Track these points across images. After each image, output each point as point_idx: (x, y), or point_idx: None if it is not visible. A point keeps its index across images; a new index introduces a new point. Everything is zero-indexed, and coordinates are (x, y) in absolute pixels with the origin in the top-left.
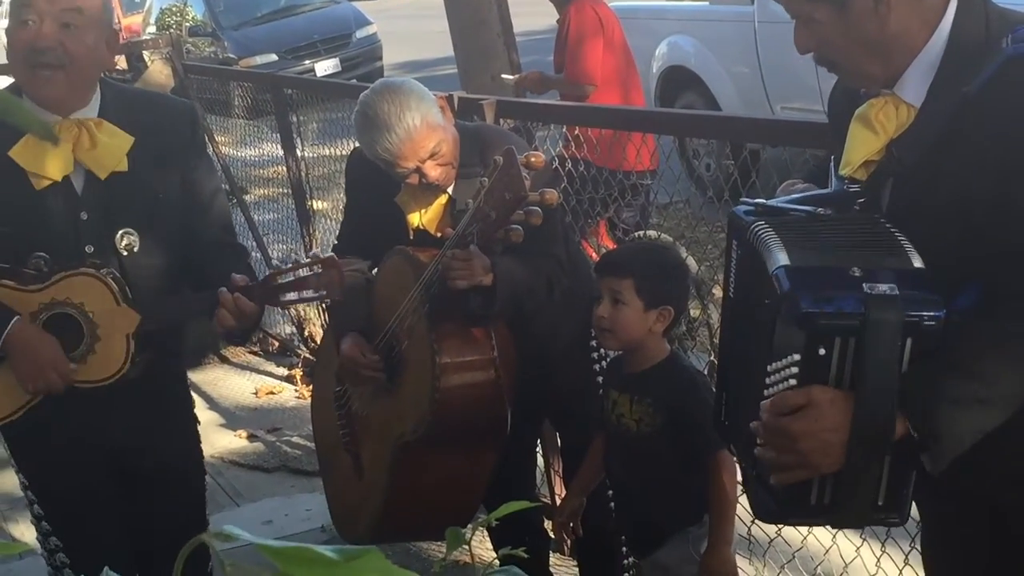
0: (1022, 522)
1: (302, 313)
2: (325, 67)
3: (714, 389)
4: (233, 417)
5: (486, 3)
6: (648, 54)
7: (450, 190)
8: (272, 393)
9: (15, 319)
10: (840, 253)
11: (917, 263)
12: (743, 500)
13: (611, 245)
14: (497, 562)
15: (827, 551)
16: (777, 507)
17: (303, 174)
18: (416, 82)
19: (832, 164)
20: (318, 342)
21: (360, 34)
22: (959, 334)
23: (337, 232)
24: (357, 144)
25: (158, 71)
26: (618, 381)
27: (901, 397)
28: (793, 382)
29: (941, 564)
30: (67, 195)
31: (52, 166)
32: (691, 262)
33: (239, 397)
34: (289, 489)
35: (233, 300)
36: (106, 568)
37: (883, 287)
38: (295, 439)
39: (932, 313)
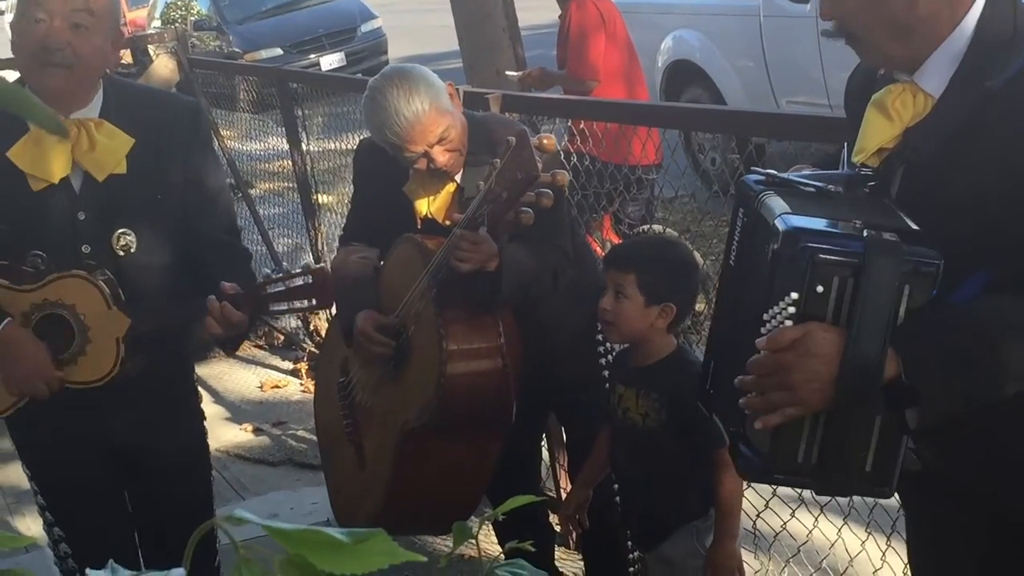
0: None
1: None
2: (330, 61)
3: None
4: (238, 411)
5: None
6: (653, 48)
7: (458, 178)
8: (277, 387)
9: (6, 321)
10: (843, 214)
11: (915, 228)
12: (749, 495)
13: (616, 239)
14: (503, 556)
15: (832, 545)
16: (762, 463)
17: (308, 168)
18: (425, 68)
19: (845, 150)
20: (323, 336)
21: (365, 28)
22: (972, 306)
23: (343, 223)
24: (363, 137)
25: (163, 65)
26: (624, 375)
27: (899, 339)
28: (789, 323)
29: (932, 565)
30: (65, 195)
31: (50, 168)
32: (696, 257)
33: (244, 391)
34: (294, 483)
35: (220, 309)
36: (111, 561)
37: (885, 235)
38: (300, 433)
39: (930, 260)
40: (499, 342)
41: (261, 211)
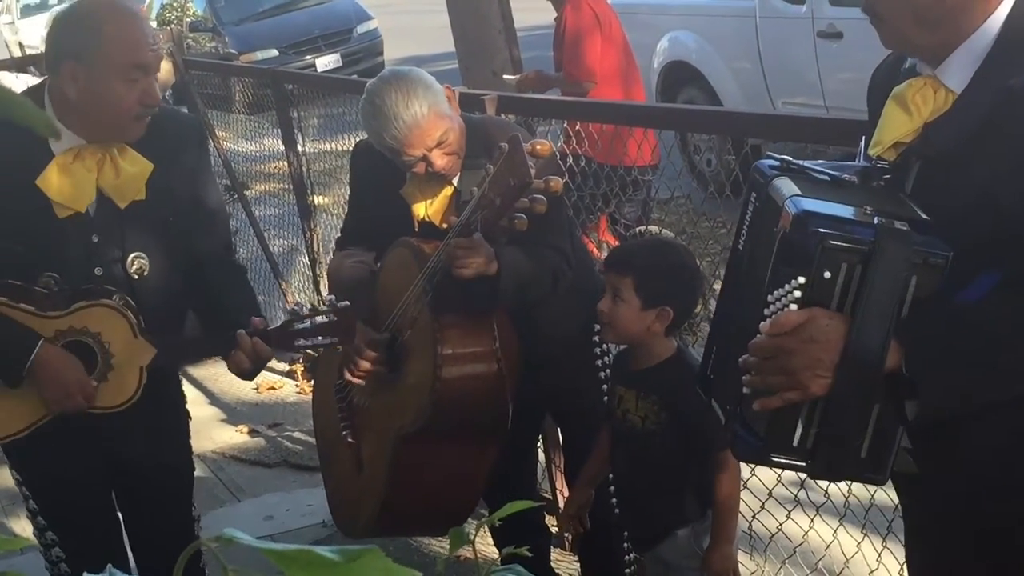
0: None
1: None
2: (326, 62)
3: None
4: (234, 412)
5: None
6: (649, 49)
7: (455, 182)
8: (273, 388)
9: (40, 342)
10: (855, 201)
11: (925, 217)
12: (745, 497)
13: (612, 240)
14: (499, 559)
15: (828, 546)
16: (758, 445)
17: (304, 169)
18: (423, 71)
19: (862, 143)
20: None
21: (361, 29)
22: (979, 304)
23: (340, 225)
24: (360, 138)
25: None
26: (625, 377)
27: (902, 331)
28: (794, 306)
29: (929, 567)
30: (80, 218)
31: (78, 196)
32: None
33: (240, 392)
34: (290, 484)
35: (252, 344)
36: (109, 565)
37: (896, 223)
38: (296, 434)
39: (940, 252)
40: (494, 346)
41: (257, 212)
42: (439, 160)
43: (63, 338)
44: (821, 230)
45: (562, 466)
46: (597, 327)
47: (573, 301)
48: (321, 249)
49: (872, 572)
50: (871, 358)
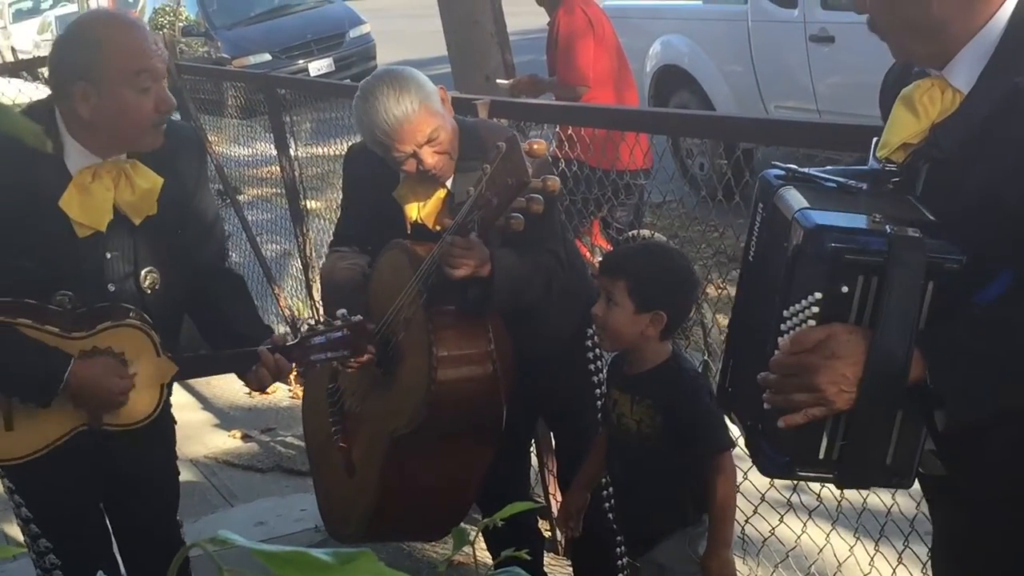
0: None
1: (295, 312)
2: (319, 67)
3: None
4: (227, 417)
5: (480, 3)
6: (642, 53)
7: (448, 184)
8: (266, 393)
9: (72, 362)
10: (863, 209)
11: (934, 219)
12: (738, 500)
13: (605, 244)
14: (492, 564)
15: (821, 550)
16: (784, 460)
17: (296, 174)
18: (416, 70)
19: (873, 145)
20: None
21: (353, 34)
22: (1000, 309)
23: (332, 229)
24: (352, 142)
25: None
26: (619, 381)
27: (924, 342)
28: (812, 322)
29: (955, 570)
30: (95, 235)
31: (97, 216)
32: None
33: (233, 397)
34: (283, 489)
35: (275, 361)
36: (100, 573)
37: (908, 230)
38: (289, 439)
39: (954, 256)
40: (489, 348)
41: (249, 217)
42: (429, 158)
43: (88, 359)
44: (835, 245)
45: (555, 470)
46: (590, 331)
47: (566, 305)
48: (314, 253)
49: (865, 575)
50: (894, 370)
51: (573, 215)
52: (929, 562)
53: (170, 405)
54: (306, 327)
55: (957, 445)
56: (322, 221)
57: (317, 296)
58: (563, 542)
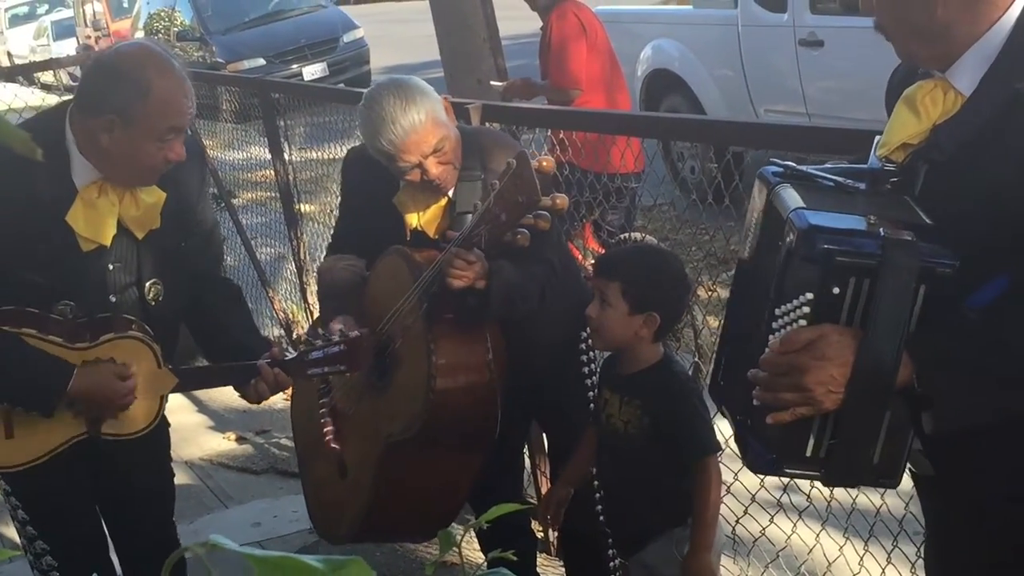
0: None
1: (290, 315)
2: (312, 71)
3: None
4: (222, 419)
5: (472, 8)
6: (633, 58)
7: (450, 192)
8: None
9: (74, 373)
10: (859, 210)
11: (930, 223)
12: (728, 501)
13: (596, 247)
14: (485, 564)
15: (811, 550)
16: (771, 456)
17: (291, 178)
18: (421, 80)
19: (874, 144)
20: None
21: (347, 38)
22: (990, 315)
23: (326, 233)
24: (349, 146)
25: None
26: (611, 380)
27: (914, 346)
28: (803, 322)
29: (947, 569)
30: (99, 248)
31: (103, 231)
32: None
33: (228, 399)
34: (278, 491)
35: (274, 375)
36: (94, 575)
37: (903, 233)
38: (284, 441)
39: (947, 261)
40: (487, 357)
41: (243, 220)
42: (434, 169)
43: (89, 368)
44: (828, 246)
45: (547, 471)
46: (584, 334)
47: (560, 308)
48: (308, 256)
49: (855, 575)
50: (883, 373)
51: (565, 218)
52: (917, 561)
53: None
54: (305, 341)
55: (946, 447)
56: (316, 224)
57: (311, 299)
58: (555, 542)
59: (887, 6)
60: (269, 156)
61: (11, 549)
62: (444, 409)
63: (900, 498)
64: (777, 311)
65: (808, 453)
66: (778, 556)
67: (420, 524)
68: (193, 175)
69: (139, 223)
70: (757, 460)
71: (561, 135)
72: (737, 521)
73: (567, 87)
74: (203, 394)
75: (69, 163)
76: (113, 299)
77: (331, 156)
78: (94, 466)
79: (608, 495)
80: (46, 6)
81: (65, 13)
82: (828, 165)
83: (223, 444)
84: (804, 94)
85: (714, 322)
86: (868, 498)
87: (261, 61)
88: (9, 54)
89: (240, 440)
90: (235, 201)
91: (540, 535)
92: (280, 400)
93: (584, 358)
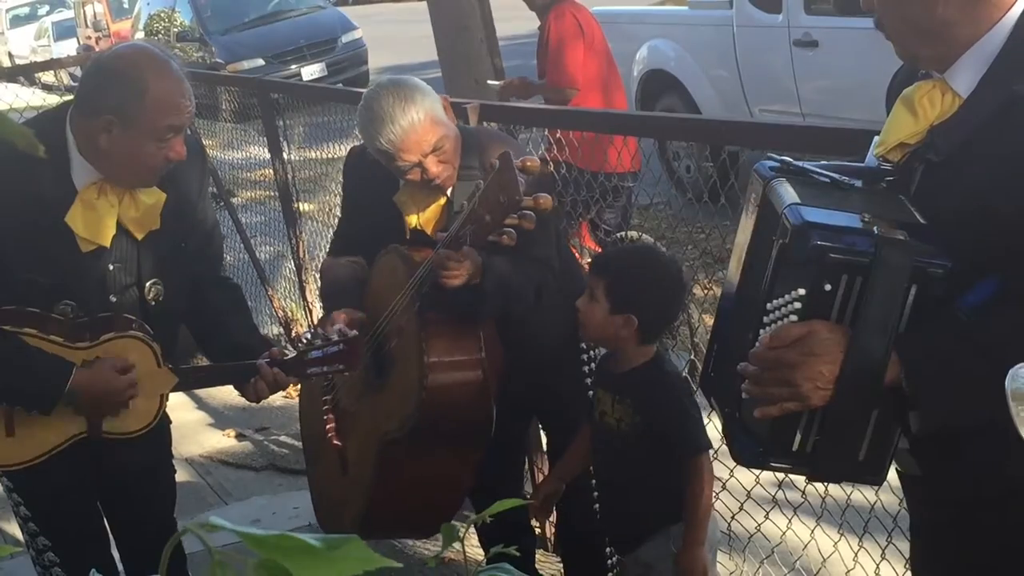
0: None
1: (289, 313)
2: (311, 71)
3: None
4: (221, 417)
5: (469, 8)
6: (629, 58)
7: (449, 192)
8: None
9: (74, 371)
10: (854, 207)
11: (924, 222)
12: (724, 497)
13: (593, 246)
14: (485, 560)
15: (806, 546)
16: (758, 449)
17: (289, 177)
18: (419, 80)
19: (872, 144)
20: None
21: (345, 39)
22: (981, 317)
23: (325, 232)
24: (349, 146)
25: None
26: (604, 379)
27: (902, 345)
28: (794, 318)
29: (933, 568)
30: (99, 249)
31: (102, 232)
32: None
33: (227, 397)
34: (277, 487)
35: (273, 375)
36: (93, 570)
37: (897, 232)
38: (283, 438)
39: (939, 262)
40: (480, 355)
41: (243, 219)
42: (434, 167)
43: (90, 366)
44: (821, 243)
45: (545, 469)
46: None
47: (560, 307)
48: (306, 255)
49: (849, 571)
50: (871, 371)
51: (562, 217)
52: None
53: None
54: (303, 341)
55: (931, 446)
56: (315, 223)
57: (310, 297)
58: (552, 539)
59: (888, 4)
60: (268, 155)
61: (13, 545)
62: (437, 406)
63: (894, 494)
64: (768, 306)
65: (795, 447)
66: (773, 552)
67: (420, 521)
68: (193, 174)
69: (138, 224)
70: (744, 452)
71: (558, 134)
72: (733, 517)
73: (564, 87)
74: (203, 392)
75: (69, 164)
76: (113, 299)
77: (330, 155)
78: (96, 463)
79: (603, 492)
80: (47, 7)
81: (66, 14)
82: (824, 163)
83: (223, 441)
84: (799, 94)
85: (710, 320)
86: (863, 495)
87: (260, 61)
88: (10, 55)
89: (240, 437)
90: (234, 200)
91: (539, 532)
92: (279, 398)
93: (584, 357)
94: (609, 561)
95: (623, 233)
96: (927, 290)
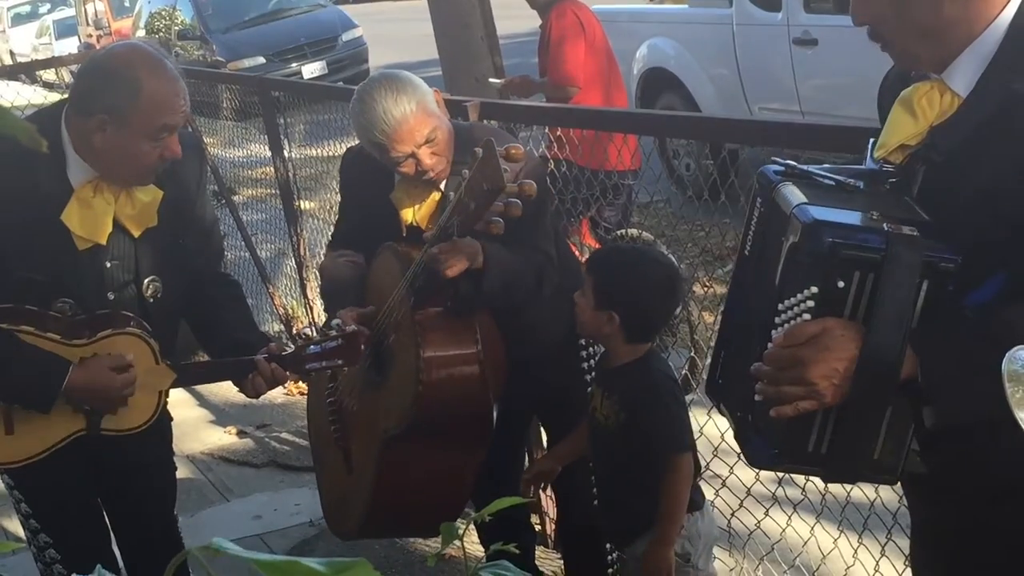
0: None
1: (290, 311)
2: (312, 70)
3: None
4: (222, 414)
5: (469, 7)
6: (629, 56)
7: (442, 186)
8: None
9: (71, 368)
10: (861, 207)
11: (929, 220)
12: (724, 494)
13: (593, 243)
14: (484, 557)
15: (805, 543)
16: (772, 451)
17: (290, 175)
18: (411, 73)
19: (870, 145)
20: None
21: (346, 37)
22: (996, 314)
23: (326, 229)
24: (347, 144)
25: None
26: (598, 374)
27: (917, 340)
28: (807, 316)
29: (933, 567)
30: (96, 247)
31: (98, 229)
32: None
33: (228, 394)
34: (278, 484)
35: (271, 371)
36: (98, 566)
37: (905, 229)
38: (284, 435)
39: (949, 256)
40: (476, 348)
41: (244, 217)
42: (427, 159)
43: (87, 364)
44: (833, 240)
45: None
46: None
47: (559, 304)
48: (307, 253)
49: (848, 568)
50: (887, 366)
51: (562, 214)
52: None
53: (166, 402)
54: (302, 336)
55: (940, 444)
56: (316, 221)
57: (311, 295)
58: (553, 535)
59: (893, 9)
60: (269, 153)
61: (15, 542)
62: (434, 402)
63: (894, 492)
64: (780, 306)
65: (810, 448)
66: (773, 549)
67: (424, 519)
68: (191, 171)
69: (135, 221)
70: (758, 455)
71: (559, 132)
72: (732, 515)
73: (565, 85)
74: (204, 389)
75: (65, 162)
76: (111, 296)
77: (330, 153)
78: (96, 460)
79: (599, 487)
80: (48, 5)
81: (67, 12)
82: (826, 166)
83: (224, 438)
84: (798, 92)
85: (709, 317)
86: (862, 491)
87: (261, 60)
88: (12, 52)
89: (241, 434)
90: (236, 198)
91: (539, 528)
92: (280, 395)
93: (584, 353)
94: (610, 556)
95: (623, 231)
96: (938, 285)
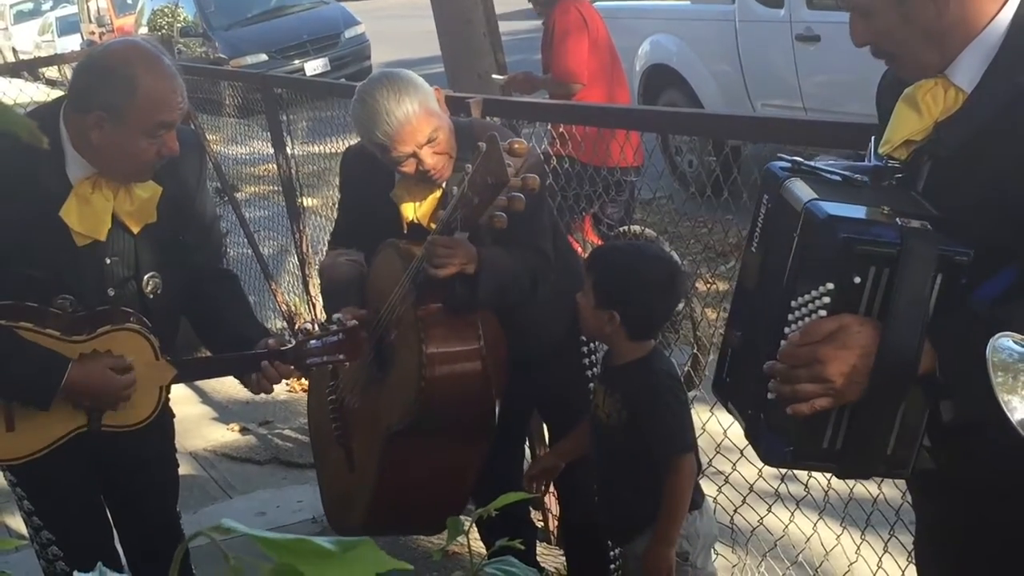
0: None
1: (293, 307)
2: (314, 67)
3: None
4: (225, 411)
5: (472, 3)
6: (631, 53)
7: (444, 184)
8: None
9: (70, 365)
10: (870, 202)
11: (937, 214)
12: (727, 491)
13: (596, 240)
14: (487, 553)
15: (808, 539)
16: (787, 449)
17: (293, 172)
18: (412, 72)
19: (872, 143)
20: None
21: (348, 34)
22: (1013, 306)
23: (328, 227)
24: (349, 142)
25: None
26: (602, 372)
27: (935, 334)
28: (823, 313)
29: (938, 564)
30: (95, 243)
31: (97, 226)
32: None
33: (231, 391)
34: (281, 481)
35: (275, 369)
36: (99, 564)
37: (915, 223)
38: (286, 432)
39: (963, 249)
40: (479, 344)
41: (247, 214)
42: (429, 159)
43: (87, 361)
44: (848, 235)
45: None
46: None
47: (560, 302)
48: (310, 250)
49: (851, 564)
50: (905, 362)
51: (565, 211)
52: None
53: (168, 399)
54: (302, 331)
55: (951, 439)
56: (318, 218)
57: (314, 292)
58: (555, 532)
59: (896, 21)
60: (272, 150)
61: (18, 538)
62: (436, 398)
63: (897, 488)
64: (793, 303)
65: (824, 445)
66: (776, 546)
67: (426, 517)
68: (191, 167)
69: (134, 218)
70: (771, 453)
71: (561, 129)
72: (735, 511)
73: (568, 81)
74: (207, 386)
75: (64, 158)
76: (111, 293)
77: (333, 150)
78: (98, 457)
79: (599, 485)
80: (50, 2)
81: (69, 9)
82: (831, 162)
83: (227, 435)
84: (801, 89)
85: (712, 314)
86: (865, 488)
87: (263, 57)
88: (14, 50)
89: (243, 431)
90: (238, 195)
91: (541, 525)
92: (283, 391)
93: (584, 350)
94: (612, 553)
95: (626, 228)
96: (952, 279)
